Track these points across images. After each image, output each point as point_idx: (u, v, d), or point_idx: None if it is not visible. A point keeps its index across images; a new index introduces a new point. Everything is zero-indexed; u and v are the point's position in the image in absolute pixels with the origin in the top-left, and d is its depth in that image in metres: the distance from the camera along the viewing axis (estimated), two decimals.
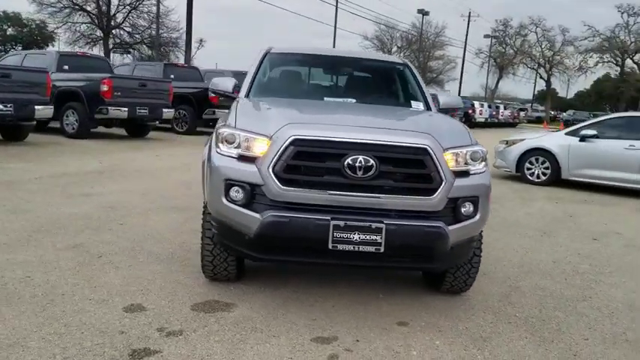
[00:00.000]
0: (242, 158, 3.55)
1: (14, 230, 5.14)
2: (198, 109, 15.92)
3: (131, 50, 41.80)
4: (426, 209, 3.51)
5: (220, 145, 3.64)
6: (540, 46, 62.05)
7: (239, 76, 17.53)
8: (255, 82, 4.89)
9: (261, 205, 3.48)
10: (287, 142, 3.39)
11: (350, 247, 3.38)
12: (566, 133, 10.94)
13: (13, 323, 3.29)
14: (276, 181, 3.39)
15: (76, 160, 9.72)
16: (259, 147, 3.50)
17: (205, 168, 3.81)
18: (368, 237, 3.37)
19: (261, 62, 5.03)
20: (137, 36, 41.43)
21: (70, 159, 9.84)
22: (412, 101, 4.99)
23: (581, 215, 8.15)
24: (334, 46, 37.42)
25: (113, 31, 40.23)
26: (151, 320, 3.46)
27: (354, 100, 4.87)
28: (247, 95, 4.77)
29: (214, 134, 3.81)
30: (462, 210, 3.61)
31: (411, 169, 3.47)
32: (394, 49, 56.74)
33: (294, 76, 5.35)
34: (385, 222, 3.39)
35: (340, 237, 3.37)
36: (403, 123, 4.07)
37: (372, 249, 3.39)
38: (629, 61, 65.79)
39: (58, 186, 7.34)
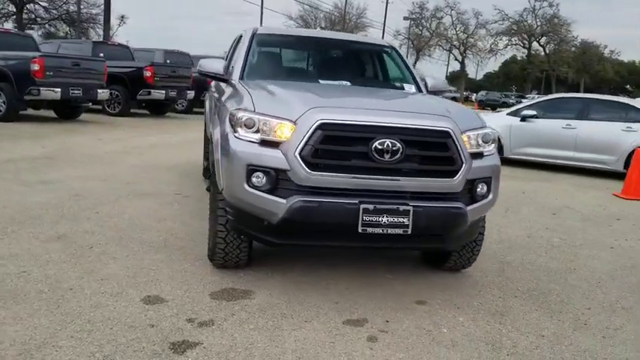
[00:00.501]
0: (264, 143, 3.48)
1: None
2: (132, 90, 15.28)
3: (45, 27, 39.24)
4: (447, 191, 3.59)
5: (239, 129, 3.55)
6: (455, 29, 64.31)
7: (170, 54, 17.05)
8: (247, 64, 4.76)
9: (286, 190, 3.43)
10: (314, 127, 3.35)
11: (379, 230, 3.41)
12: (508, 114, 11.45)
13: (32, 322, 3.08)
14: (304, 165, 3.35)
15: (16, 145, 9.11)
16: (283, 131, 3.44)
17: (220, 153, 3.70)
18: (396, 219, 3.42)
19: (250, 43, 4.90)
20: (54, 11, 38.91)
21: (8, 144, 9.20)
22: (404, 84, 5.06)
23: (532, 191, 8.59)
24: (262, 22, 36.89)
25: (27, 5, 37.59)
26: (176, 311, 3.35)
27: (348, 83, 4.87)
28: (242, 77, 4.64)
29: (227, 117, 3.70)
30: (478, 190, 3.72)
31: (434, 151, 3.54)
32: (318, 29, 56.76)
33: (286, 57, 5.27)
34: (412, 204, 3.44)
35: (369, 220, 3.39)
36: (421, 106, 4.11)
37: (400, 231, 3.44)
38: (535, 44, 69.36)
39: (9, 172, 6.87)
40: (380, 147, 3.37)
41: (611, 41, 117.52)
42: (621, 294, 4.29)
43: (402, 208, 3.42)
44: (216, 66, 4.75)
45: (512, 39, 68.84)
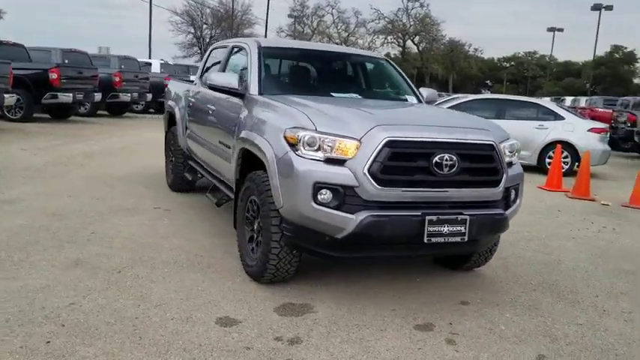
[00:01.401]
0: (329, 161, 3.59)
1: None
2: (36, 94, 14.24)
3: None
4: (491, 199, 3.93)
5: (302, 148, 3.63)
6: (337, 27, 66.00)
7: (68, 54, 16.03)
8: (261, 78, 4.79)
9: (353, 206, 3.57)
10: (381, 144, 3.53)
11: (441, 240, 3.67)
12: None
13: (130, 357, 2.99)
14: (373, 182, 3.52)
15: None
16: (348, 149, 3.58)
17: (277, 172, 3.73)
18: (455, 228, 3.69)
19: (259, 57, 4.92)
20: None
21: None
22: (407, 95, 5.33)
23: None
24: (151, 19, 35.63)
25: None
26: (258, 331, 3.39)
27: (358, 96, 5.07)
28: (261, 92, 4.66)
29: (281, 136, 3.75)
30: (511, 197, 4.09)
31: (483, 163, 3.85)
32: (204, 26, 55.68)
33: (297, 71, 5.33)
34: (467, 213, 3.73)
35: (433, 230, 3.63)
36: (463, 121, 4.39)
37: (458, 239, 3.72)
38: (409, 43, 72.90)
39: None
40: (439, 161, 3.62)
41: (474, 39, 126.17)
42: (610, 280, 4.87)
43: (459, 217, 3.69)
44: (231, 80, 4.73)
45: (388, 37, 71.85)
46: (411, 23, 70.95)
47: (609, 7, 42.81)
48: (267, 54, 5.02)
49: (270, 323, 3.51)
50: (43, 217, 5.51)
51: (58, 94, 14.28)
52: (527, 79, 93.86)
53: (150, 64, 22.89)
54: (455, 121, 4.37)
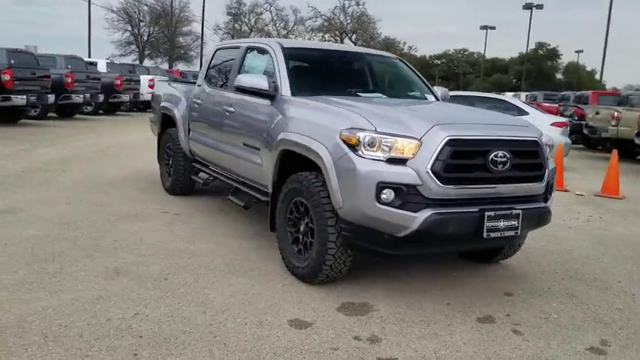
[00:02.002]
0: (391, 161, 3.65)
1: None
2: None
3: None
4: (536, 193, 4.10)
5: (363, 149, 3.67)
6: (275, 25, 65.78)
7: (13, 54, 15.23)
8: (290, 80, 4.78)
9: (415, 204, 3.64)
10: (443, 143, 3.63)
11: (498, 234, 3.81)
12: None
13: None
14: (436, 180, 3.61)
15: None
16: (410, 149, 3.65)
17: (336, 173, 3.75)
18: (509, 223, 3.84)
19: (285, 58, 4.91)
20: None
21: None
22: (425, 94, 5.45)
23: None
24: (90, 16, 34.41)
25: None
26: (334, 332, 3.41)
27: (382, 95, 5.14)
28: (294, 94, 4.66)
29: (337, 136, 3.77)
30: (549, 190, 4.28)
31: (530, 159, 4.01)
32: (142, 24, 54.18)
33: (322, 72, 5.32)
34: (518, 208, 3.89)
35: (491, 226, 3.76)
36: (506, 119, 4.53)
37: (512, 233, 3.87)
38: (347, 40, 73.57)
39: None
40: (495, 158, 3.75)
41: (408, 37, 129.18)
42: (623, 267, 5.15)
43: (514, 212, 3.84)
44: (261, 82, 4.70)
45: (326, 35, 72.26)
46: (348, 21, 71.67)
47: (540, 6, 44.85)
48: (291, 55, 5.01)
49: (342, 323, 3.54)
50: (53, 226, 5.28)
51: (12, 96, 13.60)
52: (459, 76, 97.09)
53: (95, 63, 22.06)
54: (497, 119, 4.51)
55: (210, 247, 4.94)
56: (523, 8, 45.26)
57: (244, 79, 4.76)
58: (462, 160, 3.71)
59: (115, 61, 27.16)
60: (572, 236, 6.18)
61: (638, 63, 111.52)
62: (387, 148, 3.65)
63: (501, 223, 3.79)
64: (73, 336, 3.15)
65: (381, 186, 3.60)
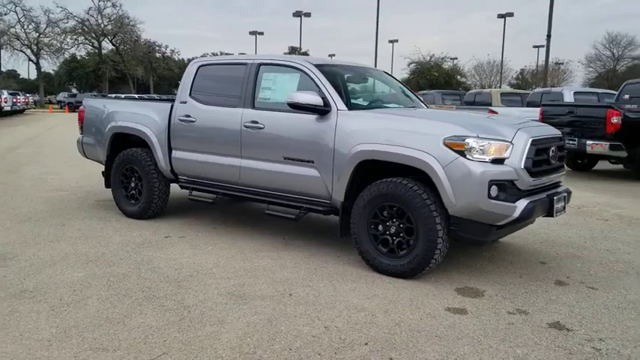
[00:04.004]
0: (495, 162, 4.38)
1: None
2: None
3: None
4: (561, 179, 5.19)
5: (471, 153, 4.32)
6: (24, 27, 59.28)
7: None
8: (343, 94, 5.15)
9: (513, 197, 4.43)
10: (529, 143, 4.49)
11: (560, 213, 4.81)
12: None
13: (461, 351, 3.40)
14: (528, 175, 4.46)
15: None
16: (506, 150, 4.42)
17: (450, 176, 4.32)
18: (562, 203, 4.87)
19: (325, 75, 5.24)
20: None
21: None
22: (419, 101, 6.21)
23: None
24: None
25: None
26: (494, 312, 4.02)
27: (400, 105, 5.77)
28: (350, 107, 5.04)
29: (441, 144, 4.36)
30: None
31: (561, 152, 5.07)
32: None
33: (360, 87, 5.67)
34: (561, 190, 4.94)
35: (557, 207, 4.75)
36: (533, 120, 5.47)
37: (563, 210, 4.90)
38: (106, 43, 69.60)
39: None
40: (552, 153, 4.74)
41: (174, 42, 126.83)
42: (623, 256, 5.53)
43: (564, 195, 4.87)
44: (317, 98, 4.97)
45: (79, 38, 67.36)
46: (106, 23, 67.74)
47: (307, 14, 48.57)
48: (326, 72, 5.32)
49: (488, 305, 4.12)
50: (85, 264, 4.82)
51: None
52: None
53: None
54: (530, 120, 5.49)
55: (272, 263, 5.04)
56: (293, 15, 48.38)
57: (300, 97, 4.97)
58: (539, 156, 4.61)
59: None
60: (565, 230, 7.48)
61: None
62: (489, 151, 4.35)
63: (560, 204, 4.79)
64: None
65: (491, 184, 4.29)
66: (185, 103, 6.11)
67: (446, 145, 4.37)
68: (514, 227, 4.83)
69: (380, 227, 4.76)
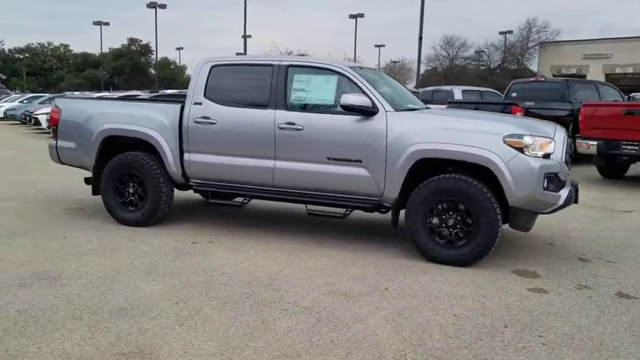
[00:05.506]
0: (545, 157, 4.97)
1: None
2: None
3: None
4: None
5: (529, 150, 4.87)
6: None
7: None
8: (385, 96, 5.42)
9: (557, 187, 5.07)
10: (565, 139, 5.17)
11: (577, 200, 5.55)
12: None
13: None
14: (565, 167, 5.13)
15: None
16: (551, 147, 5.03)
17: (511, 170, 4.82)
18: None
19: (365, 78, 5.48)
20: None
21: None
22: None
23: None
24: None
25: None
26: (566, 289, 4.60)
27: (417, 106, 6.17)
28: (396, 109, 5.34)
29: (501, 142, 4.85)
30: None
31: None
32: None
33: (386, 88, 5.84)
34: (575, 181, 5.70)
35: (578, 194, 5.48)
36: None
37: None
38: None
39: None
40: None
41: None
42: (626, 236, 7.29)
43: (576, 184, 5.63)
44: (367, 100, 5.21)
45: None
46: None
47: (163, 6, 46.68)
48: (364, 76, 5.56)
49: (555, 284, 4.67)
50: (147, 275, 4.59)
51: None
52: (46, 71, 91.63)
53: None
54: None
55: (328, 261, 5.17)
56: (147, 7, 46.22)
57: (353, 99, 5.16)
58: (569, 150, 5.28)
59: None
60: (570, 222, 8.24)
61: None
62: (541, 147, 4.92)
63: (578, 193, 5.51)
64: None
65: (545, 176, 4.87)
66: (200, 104, 5.92)
67: (506, 142, 4.85)
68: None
69: (435, 220, 5.11)
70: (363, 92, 5.31)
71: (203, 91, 5.95)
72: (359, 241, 5.85)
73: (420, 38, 25.19)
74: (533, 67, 51.77)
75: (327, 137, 5.43)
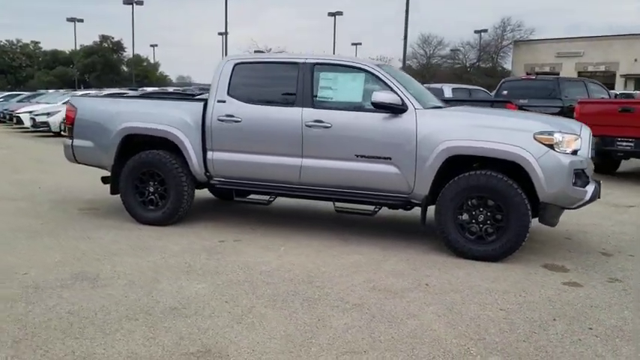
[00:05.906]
0: (573, 153, 5.09)
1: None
2: None
3: None
4: None
5: (559, 147, 4.99)
6: None
7: None
8: (413, 94, 5.48)
9: (584, 182, 5.19)
10: (590, 136, 5.30)
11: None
12: None
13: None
14: (591, 163, 5.26)
15: None
16: (578, 143, 5.16)
17: (543, 167, 4.91)
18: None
19: (392, 76, 5.53)
20: None
21: None
22: None
23: None
24: None
25: None
26: (599, 282, 4.72)
27: (436, 103, 6.25)
28: (425, 107, 5.41)
29: (532, 139, 4.95)
30: None
31: None
32: None
33: (409, 86, 5.88)
34: None
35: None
36: None
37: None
38: None
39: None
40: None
41: None
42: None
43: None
44: (396, 98, 5.27)
45: None
46: None
47: (140, 2, 46.07)
48: (390, 74, 5.62)
49: (587, 278, 4.78)
50: (187, 274, 4.57)
51: None
52: (15, 69, 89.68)
53: None
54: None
55: (363, 258, 5.22)
56: (124, 3, 45.55)
57: (384, 96, 5.21)
58: (593, 147, 5.41)
59: None
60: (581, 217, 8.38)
61: (186, 55, 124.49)
62: (569, 144, 5.04)
63: (600, 187, 5.65)
64: None
65: (574, 172, 4.99)
66: (224, 102, 5.90)
67: (536, 139, 4.94)
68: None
69: (465, 216, 5.19)
70: (392, 90, 5.36)
71: (227, 89, 5.93)
72: (385, 237, 5.90)
73: (405, 37, 25.46)
74: (508, 66, 52.70)
75: (355, 134, 5.46)
